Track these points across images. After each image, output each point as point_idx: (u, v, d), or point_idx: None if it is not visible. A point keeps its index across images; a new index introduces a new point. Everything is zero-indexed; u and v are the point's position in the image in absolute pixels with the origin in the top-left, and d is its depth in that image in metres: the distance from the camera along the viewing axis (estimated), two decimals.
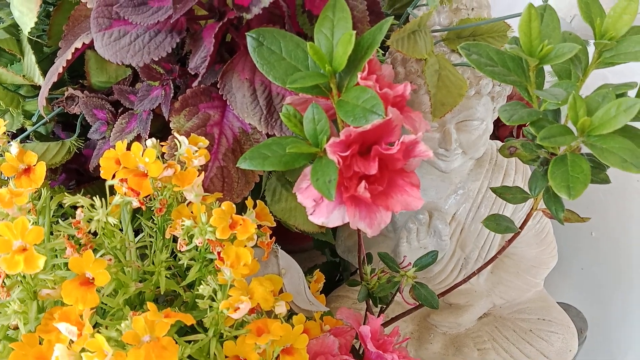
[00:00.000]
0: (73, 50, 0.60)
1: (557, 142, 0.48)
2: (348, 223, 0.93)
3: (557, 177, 0.49)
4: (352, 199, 0.51)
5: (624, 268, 1.24)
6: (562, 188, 0.48)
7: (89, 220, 0.51)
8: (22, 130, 0.76)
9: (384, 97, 0.50)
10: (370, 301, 0.74)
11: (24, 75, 0.70)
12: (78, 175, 0.78)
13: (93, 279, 0.50)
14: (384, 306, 0.75)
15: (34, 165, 0.60)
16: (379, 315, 0.73)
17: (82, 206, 0.52)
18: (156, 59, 0.55)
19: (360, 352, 0.65)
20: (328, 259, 1.11)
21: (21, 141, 0.73)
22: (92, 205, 0.52)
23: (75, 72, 0.77)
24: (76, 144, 0.72)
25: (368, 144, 0.51)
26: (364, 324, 0.64)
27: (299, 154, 0.51)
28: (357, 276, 0.93)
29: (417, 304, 0.70)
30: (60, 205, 0.67)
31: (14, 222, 0.45)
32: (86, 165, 0.76)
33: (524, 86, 0.53)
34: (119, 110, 0.69)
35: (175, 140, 0.57)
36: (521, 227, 0.63)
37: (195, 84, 0.59)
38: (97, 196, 0.52)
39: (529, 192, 0.61)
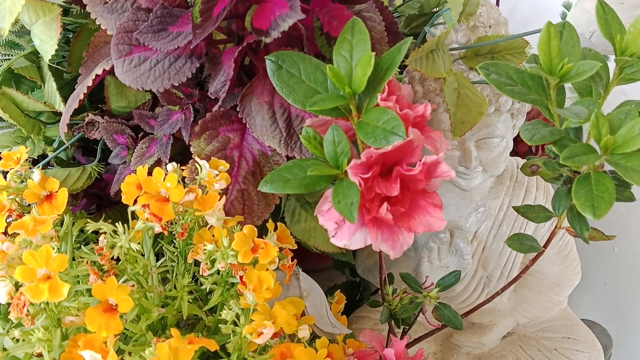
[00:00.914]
0: (94, 77, 0.60)
1: (580, 161, 0.48)
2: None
3: (582, 197, 0.49)
4: (374, 221, 0.50)
5: None
6: (586, 208, 0.48)
7: (112, 247, 0.52)
8: (43, 156, 0.77)
9: (404, 117, 0.49)
10: (393, 322, 0.74)
11: (45, 102, 0.71)
12: (98, 200, 0.78)
13: (116, 305, 0.50)
14: (407, 327, 0.75)
15: (56, 192, 0.60)
16: (402, 337, 0.72)
17: (105, 232, 0.52)
18: (176, 84, 0.56)
19: None
20: (348, 279, 1.11)
21: (42, 167, 0.73)
22: (115, 231, 0.52)
23: (95, 98, 0.77)
24: (97, 169, 0.73)
25: (389, 165, 0.50)
26: (387, 346, 0.64)
27: (320, 177, 0.51)
28: (378, 296, 0.93)
29: (441, 324, 0.69)
30: (81, 231, 0.67)
31: (38, 251, 0.46)
32: (107, 190, 0.76)
33: (544, 105, 0.53)
34: (139, 135, 0.70)
35: (195, 164, 0.57)
36: (545, 246, 0.62)
37: (215, 108, 0.59)
38: (119, 222, 0.52)
39: (552, 211, 0.60)
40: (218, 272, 0.56)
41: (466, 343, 0.89)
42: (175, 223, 0.58)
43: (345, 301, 0.81)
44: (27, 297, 0.45)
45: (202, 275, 0.55)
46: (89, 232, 0.64)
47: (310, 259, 0.92)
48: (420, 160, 0.49)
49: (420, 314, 0.73)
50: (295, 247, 0.61)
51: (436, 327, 0.71)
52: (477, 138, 0.73)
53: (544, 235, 0.83)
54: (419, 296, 0.70)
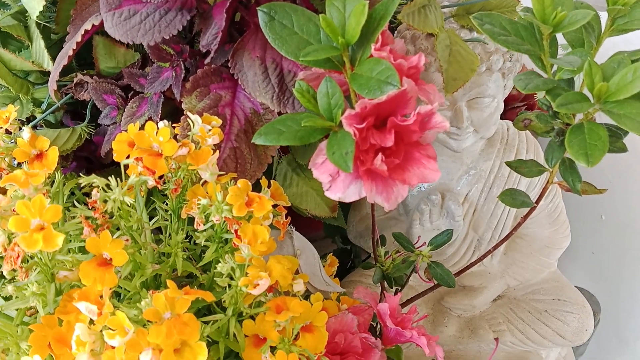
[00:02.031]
0: (82, 33, 0.59)
1: (574, 108, 0.48)
2: (358, 208, 0.93)
3: (575, 145, 0.49)
4: (368, 173, 0.50)
5: (635, 251, 1.23)
6: (580, 156, 0.48)
7: (105, 201, 0.51)
8: (31, 119, 0.76)
9: (398, 68, 0.49)
10: (386, 283, 0.74)
11: (33, 61, 0.70)
12: (88, 163, 0.77)
13: (110, 259, 0.49)
14: (399, 288, 0.75)
15: (46, 151, 0.59)
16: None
17: (98, 186, 0.52)
18: (167, 37, 0.55)
19: (378, 330, 0.64)
20: (338, 247, 1.11)
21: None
22: (108, 186, 0.52)
23: (83, 60, 0.76)
24: (87, 131, 0.72)
25: (383, 117, 0.50)
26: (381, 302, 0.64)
27: (314, 129, 0.50)
28: (371, 260, 0.93)
29: (434, 283, 0.70)
30: (72, 193, 0.67)
31: (32, 201, 0.45)
32: (97, 153, 0.75)
33: (537, 55, 0.53)
34: (129, 95, 0.69)
35: (187, 120, 0.57)
36: (537, 202, 0.62)
37: (207, 61, 0.58)
38: (112, 176, 0.51)
39: (544, 165, 0.61)
40: (212, 227, 0.56)
41: (457, 306, 0.89)
42: (168, 181, 0.58)
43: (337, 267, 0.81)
44: (21, 247, 0.45)
45: (197, 230, 0.54)
46: (82, 190, 0.64)
47: (301, 229, 0.92)
48: (415, 111, 0.49)
49: (412, 276, 0.74)
50: (289, 204, 0.61)
51: (430, 286, 0.71)
52: (468, 98, 0.73)
53: (536, 196, 0.83)
54: (411, 255, 0.70)
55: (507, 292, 0.92)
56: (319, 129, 0.50)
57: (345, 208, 0.94)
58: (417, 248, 0.70)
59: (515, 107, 1.18)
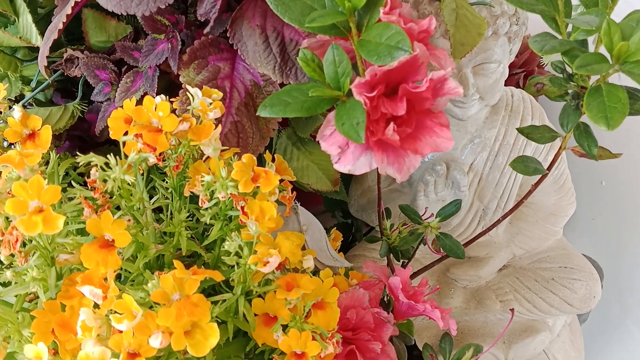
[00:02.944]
0: (73, 4, 0.56)
1: (593, 70, 0.46)
2: (360, 181, 0.91)
3: (594, 109, 0.47)
4: (379, 143, 0.48)
5: (635, 217, 1.23)
6: (600, 119, 0.46)
7: (105, 180, 0.49)
8: (20, 97, 0.73)
9: (408, 32, 0.47)
10: (392, 256, 0.72)
11: (20, 37, 0.67)
12: (82, 142, 0.75)
13: (113, 240, 0.47)
14: (406, 261, 0.74)
15: (39, 130, 0.57)
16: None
17: (96, 165, 0.49)
18: (163, 7, 0.52)
19: (389, 304, 0.63)
20: (339, 221, 1.09)
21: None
22: (107, 165, 0.50)
23: (72, 35, 0.73)
24: (79, 108, 0.69)
25: (393, 85, 0.48)
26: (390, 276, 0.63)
27: (321, 99, 0.48)
28: (374, 234, 0.91)
29: (443, 254, 0.68)
30: (66, 173, 0.64)
31: (29, 182, 0.43)
32: (90, 131, 0.73)
33: (551, 16, 0.51)
34: (122, 70, 0.66)
35: (187, 94, 0.54)
36: (548, 169, 0.61)
37: (206, 30, 0.56)
38: (111, 154, 0.49)
39: (556, 131, 0.59)
40: (216, 204, 0.54)
41: (463, 277, 0.88)
42: (168, 157, 0.56)
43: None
44: (20, 230, 0.43)
45: (201, 208, 0.52)
46: (77, 171, 0.61)
47: (301, 203, 0.91)
48: (427, 77, 0.47)
49: (419, 247, 0.72)
50: (294, 178, 0.59)
51: (436, 258, 0.70)
52: (474, 64, 0.70)
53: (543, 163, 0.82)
54: (419, 227, 0.68)
55: (512, 261, 0.91)
56: (327, 99, 0.48)
57: (346, 181, 0.92)
58: (425, 220, 0.69)
59: (514, 73, 1.15)
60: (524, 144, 0.81)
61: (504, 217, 0.68)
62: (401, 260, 0.72)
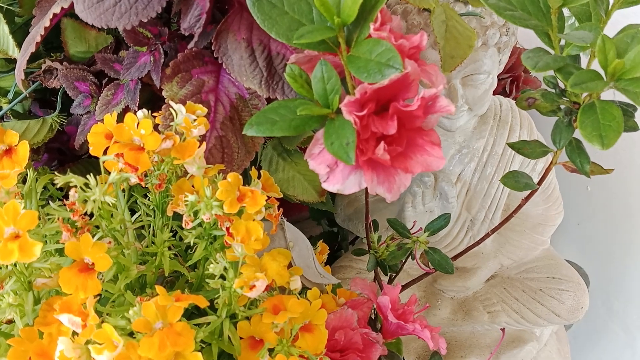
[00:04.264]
0: (51, 17, 0.54)
1: (588, 88, 0.45)
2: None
3: (588, 127, 0.46)
4: (369, 163, 0.47)
5: (621, 221, 1.23)
6: (594, 138, 0.45)
7: (85, 201, 0.47)
8: None
9: (399, 48, 0.45)
10: (379, 270, 0.71)
11: None
12: (60, 155, 0.73)
13: (93, 264, 0.45)
14: (394, 274, 0.72)
15: (16, 146, 0.55)
16: (389, 284, 0.70)
17: (75, 186, 0.47)
18: (145, 21, 0.50)
19: (376, 320, 0.62)
20: (324, 229, 1.08)
21: None
22: (86, 185, 0.48)
23: (50, 45, 0.71)
24: (58, 121, 0.67)
25: (383, 102, 0.47)
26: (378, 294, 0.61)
27: (310, 117, 0.47)
28: (358, 245, 0.90)
29: (431, 270, 0.67)
30: (44, 188, 0.62)
31: (4, 207, 0.41)
32: (69, 144, 0.71)
33: (544, 31, 0.49)
34: (103, 82, 0.64)
35: (170, 109, 0.52)
36: (539, 183, 0.60)
37: (191, 45, 0.54)
38: (91, 174, 0.47)
39: (547, 146, 0.58)
40: (200, 224, 0.52)
41: (450, 287, 0.87)
42: (150, 174, 0.54)
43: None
44: None
45: (185, 229, 0.51)
46: (56, 188, 0.59)
47: (286, 212, 0.89)
48: (418, 95, 0.45)
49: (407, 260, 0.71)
50: (281, 195, 0.57)
51: (426, 272, 0.69)
52: (463, 75, 0.69)
53: (531, 174, 0.81)
54: (408, 242, 0.67)
55: (500, 271, 0.90)
56: (315, 117, 0.47)
57: (332, 192, 0.91)
58: (413, 234, 0.68)
59: (500, 79, 1.15)
60: (512, 154, 0.80)
61: (493, 231, 0.67)
62: (389, 274, 0.71)
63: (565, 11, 0.52)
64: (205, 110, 0.52)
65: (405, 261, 0.70)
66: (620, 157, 1.15)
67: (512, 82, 1.14)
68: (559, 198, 0.89)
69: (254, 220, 0.51)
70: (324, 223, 1.07)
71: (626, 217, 1.21)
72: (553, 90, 0.53)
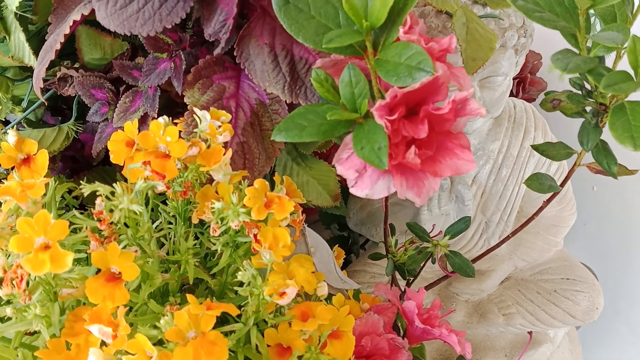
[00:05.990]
0: (71, 24, 0.53)
1: (620, 89, 0.45)
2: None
3: (619, 128, 0.46)
4: (398, 167, 0.46)
5: (627, 221, 1.23)
6: (626, 139, 0.45)
7: (111, 210, 0.46)
8: (6, 122, 0.70)
9: (429, 51, 0.45)
10: (397, 274, 0.71)
11: (12, 56, 0.64)
12: (74, 163, 0.72)
13: (120, 273, 0.45)
14: (412, 278, 0.72)
15: (34, 155, 0.54)
16: (409, 286, 0.70)
17: (101, 195, 0.47)
18: (169, 27, 0.50)
19: (401, 328, 0.61)
20: (334, 234, 1.07)
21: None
22: (112, 193, 0.47)
23: (63, 52, 0.70)
24: (74, 129, 0.66)
25: (413, 106, 0.46)
26: (401, 298, 0.61)
27: (339, 122, 0.46)
28: (371, 249, 0.90)
29: (453, 273, 0.66)
30: (62, 197, 0.61)
31: (35, 217, 0.40)
32: (83, 152, 0.70)
33: (572, 32, 0.49)
34: (120, 89, 0.63)
35: (193, 116, 0.52)
36: (562, 185, 0.59)
37: (217, 51, 0.53)
38: (117, 182, 0.46)
39: (571, 148, 0.58)
40: (226, 231, 0.51)
41: (465, 290, 0.87)
42: (174, 182, 0.53)
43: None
44: (25, 269, 0.40)
45: (213, 236, 0.50)
46: (71, 195, 0.59)
47: None
48: (449, 98, 0.45)
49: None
50: (304, 201, 0.57)
51: (446, 275, 0.68)
52: (481, 77, 0.69)
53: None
54: (428, 245, 0.67)
55: (514, 273, 0.90)
56: (344, 121, 0.46)
57: (344, 194, 0.90)
58: (433, 237, 0.67)
59: None
60: (527, 156, 0.80)
61: (514, 233, 0.67)
62: (407, 278, 0.71)
63: None
64: (230, 116, 0.51)
65: (424, 265, 0.70)
66: (624, 159, 1.15)
67: (518, 83, 1.14)
68: (573, 199, 0.89)
69: (280, 226, 0.51)
70: (334, 227, 1.06)
71: (632, 217, 1.21)
72: (579, 92, 0.53)
